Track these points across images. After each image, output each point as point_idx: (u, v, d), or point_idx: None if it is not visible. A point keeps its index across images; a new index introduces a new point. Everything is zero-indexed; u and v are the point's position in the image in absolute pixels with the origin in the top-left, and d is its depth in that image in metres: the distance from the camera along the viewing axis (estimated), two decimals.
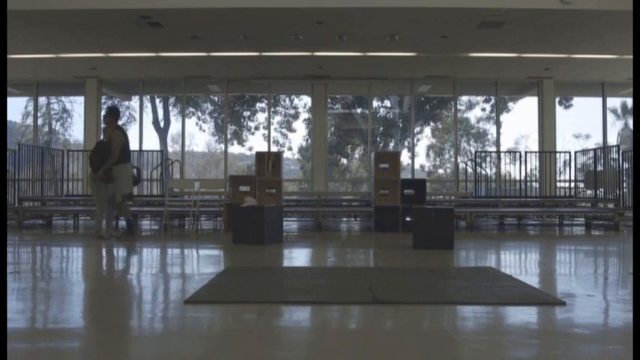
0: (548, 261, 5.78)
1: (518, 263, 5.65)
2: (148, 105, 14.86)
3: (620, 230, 9.04)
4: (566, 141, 14.74)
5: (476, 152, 13.44)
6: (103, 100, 14.26)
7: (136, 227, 7.26)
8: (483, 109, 15.37)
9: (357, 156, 15.83)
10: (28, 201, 10.88)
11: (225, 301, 3.41)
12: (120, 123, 7.42)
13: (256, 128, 15.11)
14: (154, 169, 12.50)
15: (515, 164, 12.77)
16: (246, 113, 15.26)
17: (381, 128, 15.27)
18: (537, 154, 13.24)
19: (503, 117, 14.72)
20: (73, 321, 3.07)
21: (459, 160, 14.46)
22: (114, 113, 7.24)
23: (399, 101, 15.27)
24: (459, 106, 14.67)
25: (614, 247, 7.14)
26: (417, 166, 14.44)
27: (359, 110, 15.07)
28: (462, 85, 13.95)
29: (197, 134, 15.48)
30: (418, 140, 15.11)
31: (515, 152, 13.25)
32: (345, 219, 11.85)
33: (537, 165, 13.30)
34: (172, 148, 15.50)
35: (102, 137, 7.56)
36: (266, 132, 14.37)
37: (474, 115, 15.55)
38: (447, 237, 6.21)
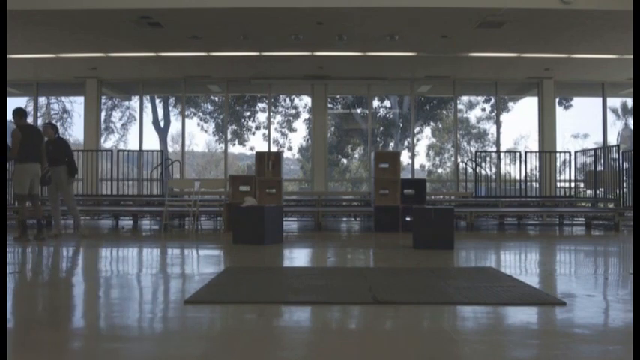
0: (548, 261, 5.77)
1: (518, 263, 5.65)
2: (148, 105, 14.86)
3: (620, 230, 9.05)
4: (565, 141, 14.75)
5: (476, 152, 13.44)
6: (103, 100, 14.26)
7: (41, 229, 7.54)
8: (483, 109, 15.38)
9: (357, 156, 15.83)
10: (28, 201, 10.86)
11: (225, 301, 3.41)
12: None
13: (257, 128, 15.11)
14: (153, 169, 12.50)
15: (515, 164, 12.78)
16: (247, 113, 15.26)
17: (381, 128, 15.27)
18: (537, 154, 13.24)
19: (503, 117, 14.72)
20: (71, 320, 3.07)
21: (458, 160, 14.46)
22: (17, 113, 7.42)
23: (399, 101, 15.26)
24: (459, 106, 14.67)
25: (614, 247, 7.14)
26: (417, 166, 14.45)
27: (359, 110, 15.07)
28: (462, 85, 13.96)
29: (197, 134, 15.49)
30: (418, 140, 15.11)
31: (515, 152, 13.25)
32: (345, 219, 11.85)
33: (537, 165, 13.30)
34: (172, 148, 15.50)
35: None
36: (266, 132, 14.38)
37: (474, 115, 15.55)
38: (447, 237, 6.21)
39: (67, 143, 8.15)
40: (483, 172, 12.81)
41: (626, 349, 2.40)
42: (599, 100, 14.05)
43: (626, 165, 10.60)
